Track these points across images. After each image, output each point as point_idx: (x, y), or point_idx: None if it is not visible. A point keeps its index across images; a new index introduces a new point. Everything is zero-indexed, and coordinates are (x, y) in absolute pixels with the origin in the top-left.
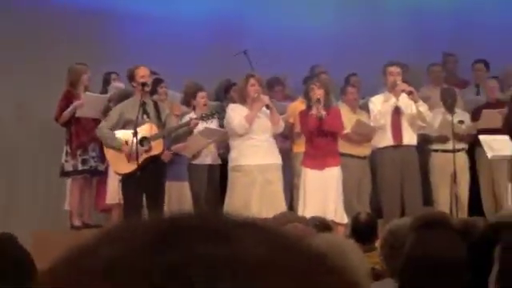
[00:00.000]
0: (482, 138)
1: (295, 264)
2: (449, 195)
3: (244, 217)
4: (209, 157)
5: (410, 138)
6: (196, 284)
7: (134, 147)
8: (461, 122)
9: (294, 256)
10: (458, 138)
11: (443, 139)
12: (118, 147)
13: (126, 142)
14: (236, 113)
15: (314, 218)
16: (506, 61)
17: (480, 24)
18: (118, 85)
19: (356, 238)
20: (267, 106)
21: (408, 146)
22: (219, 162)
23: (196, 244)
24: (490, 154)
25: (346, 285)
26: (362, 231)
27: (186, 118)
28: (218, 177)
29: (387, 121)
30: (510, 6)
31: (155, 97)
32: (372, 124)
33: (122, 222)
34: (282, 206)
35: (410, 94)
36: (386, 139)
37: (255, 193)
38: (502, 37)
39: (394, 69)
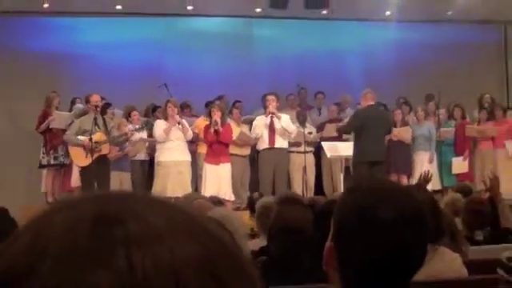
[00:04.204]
0: (323, 143)
1: (190, 224)
2: (301, 182)
3: (154, 197)
4: (142, 154)
5: (281, 143)
6: (115, 259)
7: (90, 148)
8: (310, 133)
9: (189, 219)
10: (308, 143)
11: (298, 144)
12: (81, 144)
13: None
14: (159, 127)
15: (211, 197)
16: (337, 90)
17: (318, 67)
18: (78, 106)
19: (250, 209)
20: (179, 123)
21: (280, 149)
22: (148, 158)
23: (116, 224)
24: (329, 154)
25: (226, 232)
26: (254, 205)
27: (126, 130)
28: (148, 168)
29: (263, 132)
30: (339, 55)
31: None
32: (252, 134)
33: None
34: (188, 189)
35: (273, 114)
36: (263, 144)
37: (169, 180)
38: (334, 74)
39: (270, 97)
